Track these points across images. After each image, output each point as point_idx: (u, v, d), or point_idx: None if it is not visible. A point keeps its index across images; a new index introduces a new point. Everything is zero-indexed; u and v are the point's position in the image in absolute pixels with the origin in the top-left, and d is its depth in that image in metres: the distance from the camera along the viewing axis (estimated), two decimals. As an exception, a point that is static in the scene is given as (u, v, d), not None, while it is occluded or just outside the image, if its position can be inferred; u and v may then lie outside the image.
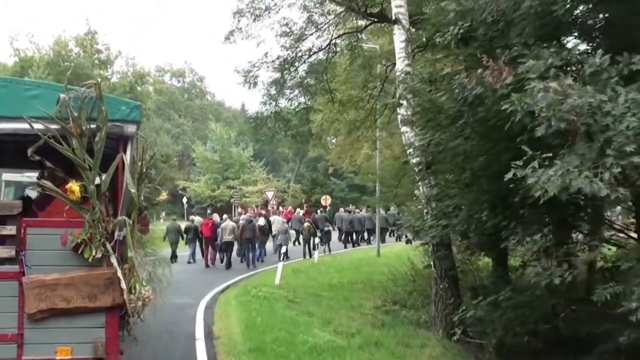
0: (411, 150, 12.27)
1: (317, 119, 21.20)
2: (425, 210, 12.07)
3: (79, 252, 6.08)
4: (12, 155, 7.58)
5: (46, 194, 6.55)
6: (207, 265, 22.25)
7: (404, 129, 12.25)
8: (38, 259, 6.11)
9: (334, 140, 64.00)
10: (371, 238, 34.19)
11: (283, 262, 17.02)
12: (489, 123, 8.70)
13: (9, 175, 11.27)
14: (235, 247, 22.58)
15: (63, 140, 6.08)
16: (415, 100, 10.32)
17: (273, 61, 17.13)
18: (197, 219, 25.35)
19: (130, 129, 6.36)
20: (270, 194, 37.81)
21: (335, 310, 13.84)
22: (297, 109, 18.50)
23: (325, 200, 41.83)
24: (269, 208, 44.25)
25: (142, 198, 7.04)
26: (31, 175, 7.79)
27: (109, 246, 6.14)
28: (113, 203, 6.57)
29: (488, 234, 10.28)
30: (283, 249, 17.85)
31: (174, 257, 22.43)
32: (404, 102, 12.24)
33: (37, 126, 6.02)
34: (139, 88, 51.93)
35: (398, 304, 14.13)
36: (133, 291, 6.22)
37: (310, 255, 25.41)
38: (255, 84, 17.65)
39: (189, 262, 23.09)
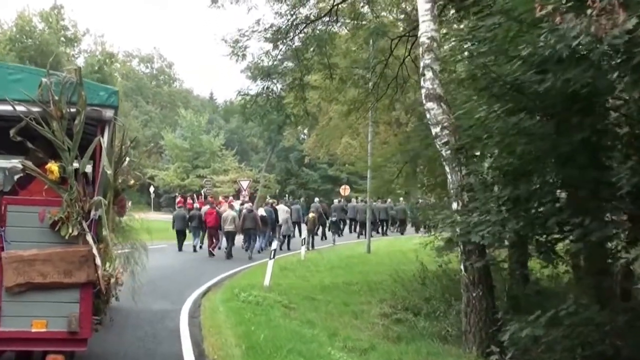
0: (438, 130, 10.26)
1: (314, 98, 18.92)
2: (455, 203, 10.08)
3: (56, 229, 6.37)
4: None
5: (28, 174, 6.84)
6: (211, 254, 22.09)
7: (429, 105, 10.27)
8: (17, 235, 6.40)
9: (305, 131, 62.48)
10: (389, 229, 35.73)
11: (274, 259, 14.81)
12: (568, 90, 6.76)
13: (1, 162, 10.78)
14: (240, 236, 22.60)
15: (44, 123, 6.38)
16: (464, 65, 8.27)
17: (266, 29, 14.81)
18: (204, 207, 25.01)
19: (108, 113, 6.69)
20: (245, 184, 35.47)
21: (336, 318, 11.97)
22: (291, 85, 16.11)
23: (344, 190, 39.77)
24: (241, 198, 42.31)
25: (120, 181, 7.28)
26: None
27: (85, 225, 6.41)
28: (91, 184, 7.01)
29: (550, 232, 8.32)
30: (274, 245, 15.53)
31: (180, 246, 23.22)
32: (430, 74, 10.25)
33: (20, 108, 6.32)
34: (106, 68, 48.55)
35: (410, 312, 12.06)
36: (107, 269, 6.52)
37: (313, 247, 25.36)
38: (244, 56, 15.39)
39: (194, 251, 23.14)
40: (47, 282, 6.33)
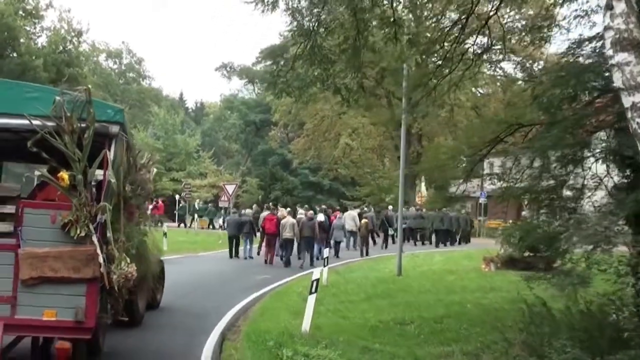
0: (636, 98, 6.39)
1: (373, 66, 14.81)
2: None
3: (66, 230, 7.29)
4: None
5: (44, 181, 8.30)
6: (266, 262, 22.93)
7: (620, 57, 6.39)
8: (32, 234, 7.36)
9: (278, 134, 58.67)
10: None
11: (315, 294, 10.74)
12: None
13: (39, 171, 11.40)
14: (295, 244, 23.48)
15: (57, 136, 7.38)
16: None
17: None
18: (248, 211, 26.29)
19: (114, 129, 7.67)
20: (230, 188, 31.76)
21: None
22: (343, 47, 11.62)
23: (421, 197, 37.24)
24: (221, 203, 38.93)
25: (129, 189, 8.21)
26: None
27: (91, 227, 7.27)
28: (99, 192, 8.05)
29: None
30: (316, 274, 11.20)
31: (232, 253, 23.93)
32: (622, 5, 6.59)
33: (36, 123, 7.36)
34: (73, 50, 43.52)
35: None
36: (114, 266, 7.27)
37: (367, 254, 26.70)
38: (274, 4, 10.99)
39: (245, 258, 24.05)
40: (57, 277, 7.19)
